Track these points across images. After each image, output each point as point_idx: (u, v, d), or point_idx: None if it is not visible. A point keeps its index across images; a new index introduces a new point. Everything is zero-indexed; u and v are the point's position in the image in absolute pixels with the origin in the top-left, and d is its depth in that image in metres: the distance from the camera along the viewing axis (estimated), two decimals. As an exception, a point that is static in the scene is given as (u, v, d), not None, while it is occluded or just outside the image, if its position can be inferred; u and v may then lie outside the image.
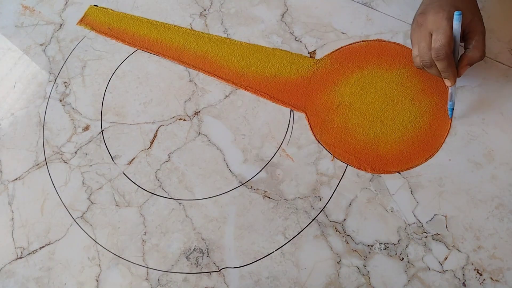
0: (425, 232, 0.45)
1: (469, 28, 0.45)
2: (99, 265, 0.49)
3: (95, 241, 0.50)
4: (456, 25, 0.43)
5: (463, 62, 0.45)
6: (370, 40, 0.56)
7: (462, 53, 0.46)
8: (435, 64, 0.45)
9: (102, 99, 0.58)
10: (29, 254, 0.51)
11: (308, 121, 0.52)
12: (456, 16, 0.42)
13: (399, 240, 0.46)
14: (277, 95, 0.55)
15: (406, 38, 0.55)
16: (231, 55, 0.58)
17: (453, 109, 0.49)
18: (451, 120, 0.49)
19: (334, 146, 0.51)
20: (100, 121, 0.57)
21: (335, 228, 0.47)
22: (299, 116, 0.53)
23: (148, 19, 0.63)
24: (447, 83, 0.46)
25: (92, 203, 0.52)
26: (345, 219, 0.47)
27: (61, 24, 0.65)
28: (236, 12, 0.61)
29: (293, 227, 0.48)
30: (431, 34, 0.44)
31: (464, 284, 0.43)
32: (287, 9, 0.60)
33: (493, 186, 0.46)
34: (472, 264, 0.44)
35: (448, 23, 0.43)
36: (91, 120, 0.57)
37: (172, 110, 0.56)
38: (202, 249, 0.48)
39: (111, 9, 0.65)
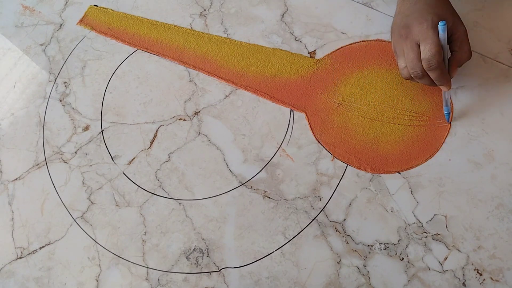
0: (425, 232, 0.45)
1: (452, 31, 0.45)
2: (99, 265, 0.49)
3: (95, 241, 0.50)
4: (442, 35, 0.43)
5: (453, 65, 0.46)
6: (370, 40, 0.56)
7: (450, 55, 0.46)
8: (427, 74, 0.45)
9: (102, 99, 0.58)
10: (29, 254, 0.51)
11: (308, 121, 0.52)
12: (442, 27, 0.43)
13: (399, 240, 0.46)
14: (277, 95, 0.55)
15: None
16: (231, 55, 0.58)
17: (449, 113, 0.49)
18: (450, 120, 0.49)
19: (334, 146, 0.51)
20: (100, 121, 0.57)
21: (335, 228, 0.47)
22: (299, 116, 0.53)
23: (148, 19, 0.63)
24: (443, 88, 0.46)
25: (92, 203, 0.52)
26: (345, 219, 0.47)
27: (61, 24, 0.65)
28: (236, 12, 0.61)
29: (293, 227, 0.48)
30: (418, 45, 0.44)
31: (464, 284, 0.43)
32: (287, 9, 0.60)
33: (493, 186, 0.46)
34: (472, 264, 0.44)
35: (434, 32, 0.43)
36: (91, 120, 0.57)
37: (172, 110, 0.56)
38: (202, 249, 0.48)
39: (111, 9, 0.65)
